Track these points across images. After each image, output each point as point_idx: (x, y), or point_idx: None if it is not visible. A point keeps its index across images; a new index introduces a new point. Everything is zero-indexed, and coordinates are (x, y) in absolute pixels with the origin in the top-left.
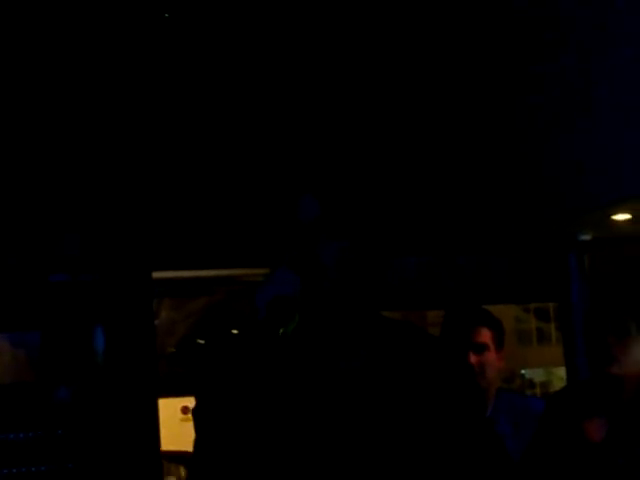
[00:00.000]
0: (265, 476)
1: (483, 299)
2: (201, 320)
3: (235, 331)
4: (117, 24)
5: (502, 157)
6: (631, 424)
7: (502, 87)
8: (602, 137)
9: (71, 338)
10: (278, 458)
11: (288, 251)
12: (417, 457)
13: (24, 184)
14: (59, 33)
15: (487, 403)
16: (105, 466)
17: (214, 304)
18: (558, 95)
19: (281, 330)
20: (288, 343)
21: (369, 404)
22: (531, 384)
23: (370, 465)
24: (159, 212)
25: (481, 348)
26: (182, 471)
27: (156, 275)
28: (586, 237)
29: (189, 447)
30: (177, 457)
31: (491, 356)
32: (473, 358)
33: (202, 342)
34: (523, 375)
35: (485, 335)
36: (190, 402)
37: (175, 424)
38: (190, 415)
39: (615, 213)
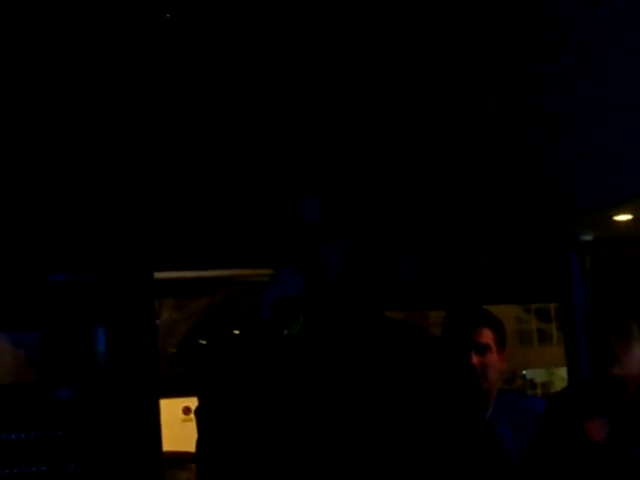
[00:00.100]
0: (268, 476)
1: (484, 299)
2: (203, 320)
3: (237, 331)
4: (118, 24)
5: (503, 157)
6: (633, 424)
7: (502, 87)
8: (602, 137)
9: (72, 338)
10: (281, 458)
11: (292, 252)
12: (418, 457)
13: (25, 184)
14: (59, 33)
15: (489, 404)
16: (106, 467)
17: (215, 304)
18: (558, 95)
19: (285, 331)
20: (292, 344)
21: (371, 405)
22: (532, 384)
23: (372, 465)
24: (161, 212)
25: (483, 349)
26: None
27: (158, 275)
28: (588, 237)
29: (190, 447)
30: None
31: (493, 357)
32: (475, 359)
33: (204, 342)
34: (524, 376)
35: (487, 336)
36: (191, 402)
37: (177, 424)
38: (192, 415)
39: (617, 213)
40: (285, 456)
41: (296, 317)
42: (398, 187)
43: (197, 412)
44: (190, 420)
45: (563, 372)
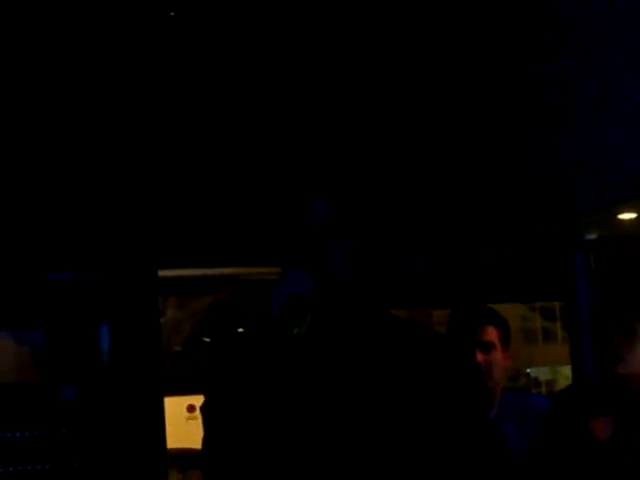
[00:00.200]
0: (273, 473)
1: (489, 298)
2: (207, 318)
3: (241, 329)
4: (119, 24)
5: (506, 157)
6: (637, 423)
7: (503, 87)
8: (604, 136)
9: (76, 337)
10: (286, 455)
11: (300, 252)
12: (423, 454)
13: (28, 182)
14: (60, 33)
15: (494, 402)
16: (110, 465)
17: (219, 302)
18: (558, 95)
19: (295, 330)
20: (300, 342)
21: (377, 401)
22: (537, 383)
23: (377, 461)
24: (164, 210)
25: (488, 347)
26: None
27: (162, 273)
28: (592, 236)
29: (195, 445)
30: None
31: (498, 355)
32: (480, 357)
33: (208, 340)
34: (529, 374)
35: (492, 334)
36: (196, 400)
37: (181, 422)
38: (196, 413)
39: (621, 212)
40: (290, 452)
41: (304, 316)
42: (403, 187)
43: (203, 409)
44: (195, 418)
45: (567, 370)
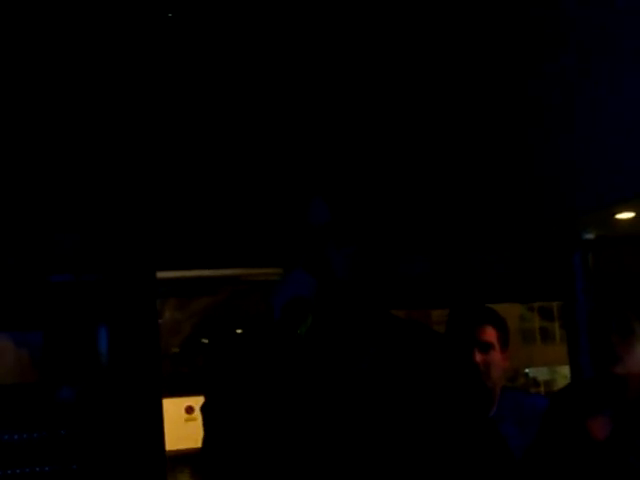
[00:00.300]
0: (274, 473)
1: (487, 298)
2: (205, 320)
3: (240, 330)
4: (118, 24)
5: (505, 157)
6: (635, 423)
7: (503, 87)
8: (603, 136)
9: (75, 338)
10: (286, 455)
11: (301, 254)
12: (423, 454)
13: (27, 184)
14: (60, 32)
15: (493, 402)
16: (109, 466)
17: (218, 304)
18: (558, 95)
19: (297, 331)
20: (301, 343)
21: (376, 401)
22: (535, 383)
23: (377, 462)
24: (163, 212)
25: (486, 347)
26: None
27: (160, 275)
28: (590, 236)
29: (193, 447)
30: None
31: (496, 355)
32: (478, 357)
33: (206, 342)
34: (527, 374)
35: (490, 334)
36: (194, 402)
37: (180, 424)
38: (194, 415)
39: (619, 212)
40: (291, 452)
41: (305, 317)
42: (402, 188)
43: (203, 409)
44: (193, 419)
45: (566, 370)
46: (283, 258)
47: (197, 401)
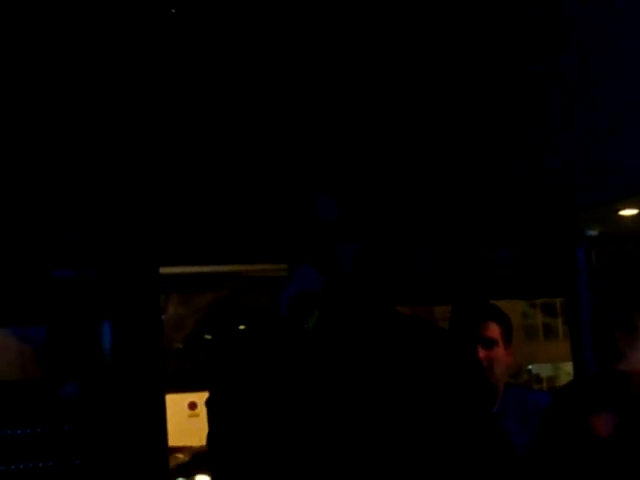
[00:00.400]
0: (280, 467)
1: (490, 294)
2: (209, 316)
3: (242, 326)
4: (119, 23)
5: (508, 154)
6: (638, 420)
7: (503, 87)
8: (605, 134)
9: (78, 334)
10: (293, 449)
11: (308, 249)
12: (426, 450)
13: (30, 179)
14: (60, 32)
15: (496, 398)
16: (112, 462)
17: (221, 299)
18: (558, 95)
19: (305, 325)
20: (307, 338)
21: (381, 396)
22: (538, 379)
23: (382, 455)
24: (166, 207)
25: (490, 343)
26: None
27: (163, 270)
28: (593, 232)
29: (196, 442)
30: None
31: (500, 351)
32: (482, 353)
33: (210, 337)
34: (530, 370)
35: (494, 330)
36: (197, 398)
37: (183, 420)
38: (197, 411)
39: (622, 208)
40: (296, 447)
41: (312, 311)
42: (407, 185)
43: (208, 403)
44: (196, 415)
45: (569, 367)
46: (286, 254)
47: (200, 397)
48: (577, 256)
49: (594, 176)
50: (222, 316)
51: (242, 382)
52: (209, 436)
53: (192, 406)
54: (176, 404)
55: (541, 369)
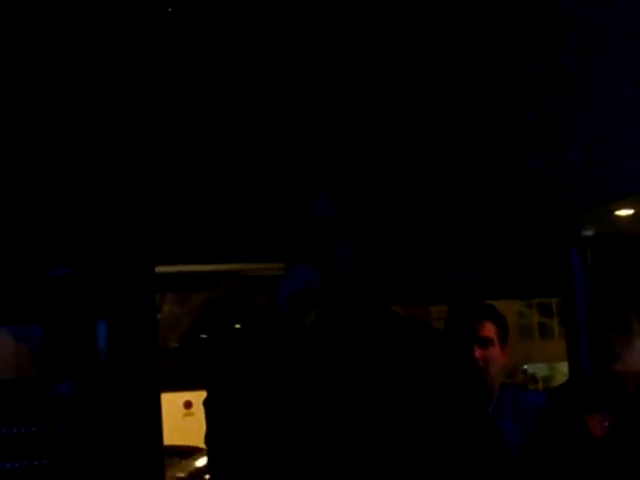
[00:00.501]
0: (278, 466)
1: (486, 294)
2: (204, 315)
3: (238, 325)
4: (118, 22)
5: (505, 154)
6: (633, 420)
7: (503, 87)
8: (602, 134)
9: (74, 332)
10: (290, 448)
11: (305, 248)
12: (422, 450)
13: (28, 179)
14: (59, 32)
15: (492, 397)
16: (107, 460)
17: (217, 299)
18: (558, 95)
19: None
20: (305, 336)
21: (377, 397)
22: (534, 379)
23: (378, 455)
24: (162, 207)
25: (486, 342)
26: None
27: (159, 269)
28: (589, 233)
29: (191, 441)
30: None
31: (495, 351)
32: (478, 352)
33: (205, 336)
34: (526, 370)
35: (490, 330)
36: (193, 397)
37: (178, 419)
38: (193, 410)
39: (618, 209)
40: (294, 445)
41: (310, 310)
42: (404, 184)
43: (205, 403)
44: (191, 414)
45: (564, 367)
46: (283, 253)
47: (195, 396)
48: (573, 256)
49: (590, 176)
50: (217, 315)
51: (240, 382)
52: (207, 436)
53: (187, 405)
54: (171, 403)
55: (537, 369)
